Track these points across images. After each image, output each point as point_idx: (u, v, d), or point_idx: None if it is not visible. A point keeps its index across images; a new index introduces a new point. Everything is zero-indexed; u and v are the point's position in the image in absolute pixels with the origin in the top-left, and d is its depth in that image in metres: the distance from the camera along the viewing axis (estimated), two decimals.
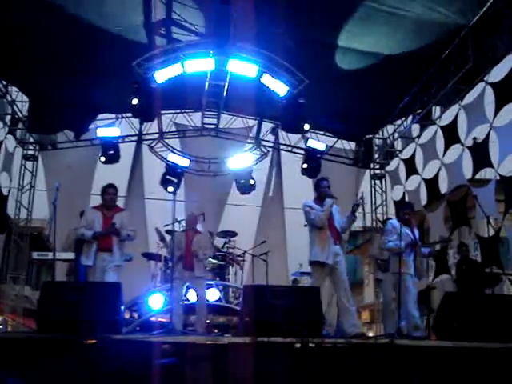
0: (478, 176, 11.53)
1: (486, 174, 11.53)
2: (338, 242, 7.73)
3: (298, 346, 5.90)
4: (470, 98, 11.52)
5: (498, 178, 10.42)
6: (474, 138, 12.42)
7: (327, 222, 7.73)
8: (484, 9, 9.97)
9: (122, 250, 8.02)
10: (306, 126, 11.95)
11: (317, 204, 7.85)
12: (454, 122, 12.01)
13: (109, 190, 8.19)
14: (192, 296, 9.54)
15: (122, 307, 6.37)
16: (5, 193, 13.54)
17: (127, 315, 10.72)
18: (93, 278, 7.67)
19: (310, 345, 5.91)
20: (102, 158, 13.23)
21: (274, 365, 5.68)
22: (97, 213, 8.06)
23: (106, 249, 7.83)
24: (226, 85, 12.77)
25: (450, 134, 12.08)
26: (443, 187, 12.63)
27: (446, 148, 12.32)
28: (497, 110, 10.40)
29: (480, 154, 11.01)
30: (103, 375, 5.36)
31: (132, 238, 8.17)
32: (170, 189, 14.03)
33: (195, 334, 8.28)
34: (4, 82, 12.70)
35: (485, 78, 10.71)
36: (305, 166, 14.02)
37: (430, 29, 10.38)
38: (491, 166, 10.78)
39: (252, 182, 14.74)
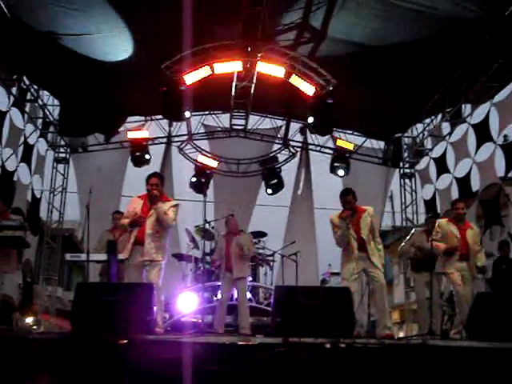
0: (510, 174, 11.38)
1: None
2: (364, 249, 7.65)
3: (328, 346, 5.89)
4: (501, 95, 11.39)
5: None
6: (505, 136, 12.27)
7: (355, 234, 7.67)
8: None
9: (159, 243, 7.32)
10: (310, 119, 11.97)
11: (342, 219, 7.76)
12: (486, 119, 11.87)
13: (150, 180, 7.45)
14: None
15: (155, 307, 6.42)
16: (37, 195, 13.77)
17: None
18: (128, 275, 7.34)
19: (341, 345, 5.90)
20: (139, 162, 13.36)
21: (304, 365, 5.67)
22: (140, 202, 7.48)
23: (139, 242, 7.26)
24: (254, 86, 12.80)
25: (482, 132, 11.95)
26: (475, 186, 12.51)
27: (478, 146, 12.19)
28: None
29: None
30: (135, 375, 5.41)
31: (167, 221, 7.35)
32: (204, 189, 14.04)
33: (226, 334, 8.32)
34: (35, 86, 12.89)
35: None
36: (334, 165, 13.99)
37: (459, 26, 10.26)
38: None
39: None
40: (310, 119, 11.99)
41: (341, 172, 13.84)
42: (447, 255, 8.33)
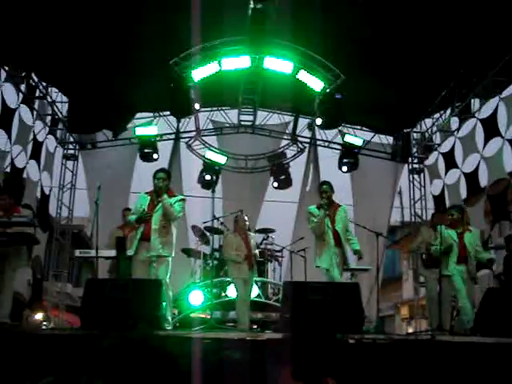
0: None
1: None
2: (338, 244, 7.89)
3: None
4: (510, 90, 11.34)
5: None
6: None
7: (331, 225, 7.90)
8: None
9: (166, 239, 7.38)
10: (318, 121, 12.16)
11: (320, 209, 7.98)
12: (494, 114, 11.82)
13: (157, 175, 7.59)
14: (232, 292, 9.62)
15: (164, 303, 6.45)
16: (46, 192, 13.83)
17: None
18: (135, 271, 7.36)
19: (350, 341, 5.90)
20: (151, 156, 13.38)
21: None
22: (146, 198, 7.56)
23: (145, 238, 7.33)
24: (262, 81, 12.79)
25: (490, 127, 11.90)
26: (483, 181, 12.46)
27: (486, 141, 12.14)
28: None
29: None
30: (145, 371, 5.43)
31: (173, 213, 7.45)
32: (212, 184, 14.07)
33: (236, 330, 8.34)
34: (44, 83, 12.93)
35: None
36: (342, 161, 13.97)
37: (468, 19, 10.21)
38: None
39: None
40: (319, 121, 12.05)
41: (344, 168, 13.85)
42: (446, 256, 8.65)
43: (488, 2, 9.76)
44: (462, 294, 8.44)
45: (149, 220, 7.38)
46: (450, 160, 13.89)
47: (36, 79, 12.52)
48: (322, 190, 8.14)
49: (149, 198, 7.59)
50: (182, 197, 7.89)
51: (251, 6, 9.79)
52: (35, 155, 12.87)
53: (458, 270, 8.64)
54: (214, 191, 9.05)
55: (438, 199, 14.44)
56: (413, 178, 15.53)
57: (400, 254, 26.72)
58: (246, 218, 9.57)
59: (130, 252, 7.63)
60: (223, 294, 10.22)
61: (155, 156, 13.50)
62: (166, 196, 7.46)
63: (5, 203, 8.10)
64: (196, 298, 10.21)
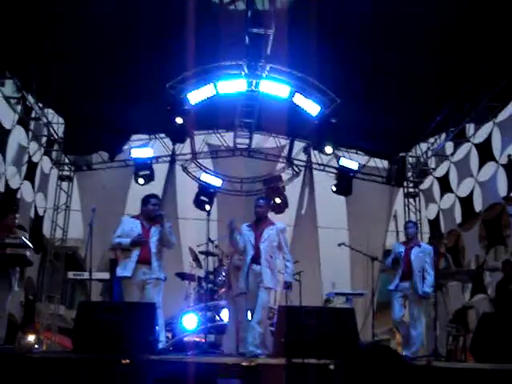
0: None
1: None
2: (257, 261, 7.52)
3: (332, 367, 5.84)
4: (504, 115, 11.41)
5: None
6: (509, 156, 12.26)
7: (254, 241, 7.56)
8: None
9: (161, 262, 7.41)
10: (329, 149, 12.13)
11: (250, 227, 7.74)
12: (489, 139, 11.90)
13: (152, 201, 7.56)
14: (225, 316, 9.53)
15: (157, 327, 6.39)
16: (40, 213, 13.79)
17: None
18: (130, 294, 7.27)
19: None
20: (139, 180, 13.32)
21: None
22: (135, 222, 7.52)
23: (144, 261, 7.26)
24: (258, 105, 12.83)
25: (485, 152, 11.97)
26: (478, 205, 12.47)
27: (481, 166, 12.19)
28: None
29: None
30: None
31: (172, 240, 7.53)
32: (207, 207, 14.00)
33: (229, 354, 8.25)
34: (40, 105, 12.95)
35: None
36: (336, 184, 13.98)
37: (462, 44, 10.30)
38: None
39: None
40: (329, 149, 12.10)
41: (334, 188, 13.89)
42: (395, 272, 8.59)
43: (483, 28, 9.85)
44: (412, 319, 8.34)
45: (145, 243, 7.36)
46: (444, 184, 13.94)
47: (32, 100, 12.55)
48: (256, 204, 7.80)
49: (138, 221, 7.56)
50: (170, 224, 7.89)
51: (248, 30, 9.86)
52: (30, 176, 12.86)
53: (401, 287, 8.38)
54: (209, 214, 8.98)
55: (434, 223, 14.45)
56: (408, 202, 15.53)
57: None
58: None
59: (125, 273, 7.54)
60: (217, 318, 10.13)
61: (151, 178, 13.47)
62: (165, 224, 7.47)
63: (12, 223, 8.12)
64: (190, 321, 10.12)
